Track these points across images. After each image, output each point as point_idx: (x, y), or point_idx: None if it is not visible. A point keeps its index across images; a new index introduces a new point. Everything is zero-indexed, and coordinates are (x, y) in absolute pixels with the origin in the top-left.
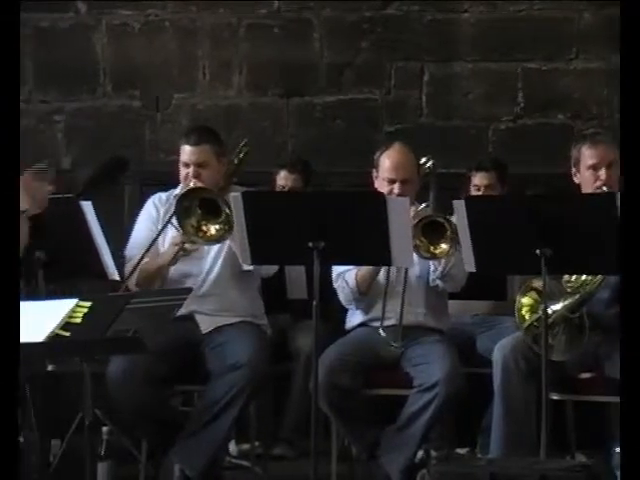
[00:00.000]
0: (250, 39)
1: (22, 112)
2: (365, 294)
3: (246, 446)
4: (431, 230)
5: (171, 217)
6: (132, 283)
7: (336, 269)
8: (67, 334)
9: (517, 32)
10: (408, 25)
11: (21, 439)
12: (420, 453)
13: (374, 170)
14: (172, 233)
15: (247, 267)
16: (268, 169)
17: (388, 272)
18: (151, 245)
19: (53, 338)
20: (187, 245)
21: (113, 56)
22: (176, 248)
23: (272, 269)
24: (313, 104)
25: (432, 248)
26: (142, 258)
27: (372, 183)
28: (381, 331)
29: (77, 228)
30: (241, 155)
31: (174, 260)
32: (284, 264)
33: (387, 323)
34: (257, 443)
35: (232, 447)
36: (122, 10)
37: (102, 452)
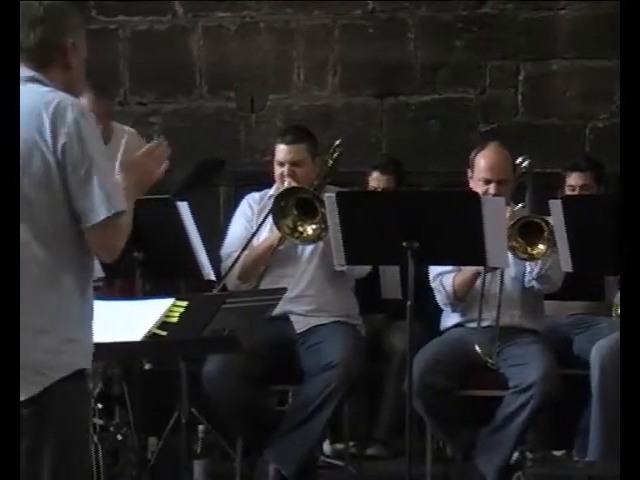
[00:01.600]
0: (344, 40)
1: (119, 114)
2: (462, 300)
3: (340, 446)
4: (528, 231)
5: (266, 216)
6: (232, 281)
7: (434, 269)
8: (164, 333)
9: (614, 29)
10: (503, 23)
11: (119, 437)
12: (516, 455)
13: (469, 170)
14: (266, 233)
15: (341, 267)
16: (361, 169)
17: (484, 274)
18: (248, 243)
19: (150, 337)
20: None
21: (209, 58)
22: (270, 248)
23: (366, 269)
24: (407, 104)
25: (529, 249)
26: (239, 257)
27: (467, 183)
28: (477, 347)
29: (173, 228)
30: (335, 155)
31: (270, 251)
32: (378, 264)
33: (483, 324)
34: (351, 443)
35: (326, 447)
36: (218, 12)
37: (198, 450)
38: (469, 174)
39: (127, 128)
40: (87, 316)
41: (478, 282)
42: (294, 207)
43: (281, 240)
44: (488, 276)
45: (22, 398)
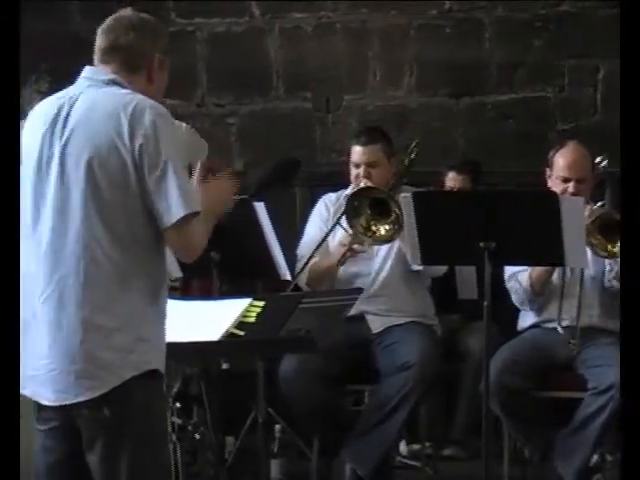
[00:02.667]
0: (420, 39)
1: (196, 115)
2: (539, 294)
3: (416, 446)
4: (607, 229)
5: (341, 216)
6: (302, 282)
7: (508, 270)
8: (241, 333)
9: None
10: (582, 22)
11: (197, 436)
12: (595, 457)
13: (547, 169)
14: (341, 233)
15: (417, 267)
16: (437, 169)
17: (563, 273)
18: (320, 244)
19: (228, 337)
20: (355, 246)
21: (285, 59)
22: (344, 249)
23: (441, 269)
24: (484, 104)
25: (609, 246)
26: (311, 257)
27: (545, 183)
28: (559, 328)
29: (250, 229)
30: (412, 155)
31: (342, 260)
32: (454, 264)
33: (562, 325)
34: (427, 443)
35: (402, 447)
36: (295, 13)
37: (275, 450)
38: (547, 173)
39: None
40: (159, 316)
41: (556, 280)
42: (368, 207)
43: (354, 240)
44: (567, 275)
45: (92, 396)
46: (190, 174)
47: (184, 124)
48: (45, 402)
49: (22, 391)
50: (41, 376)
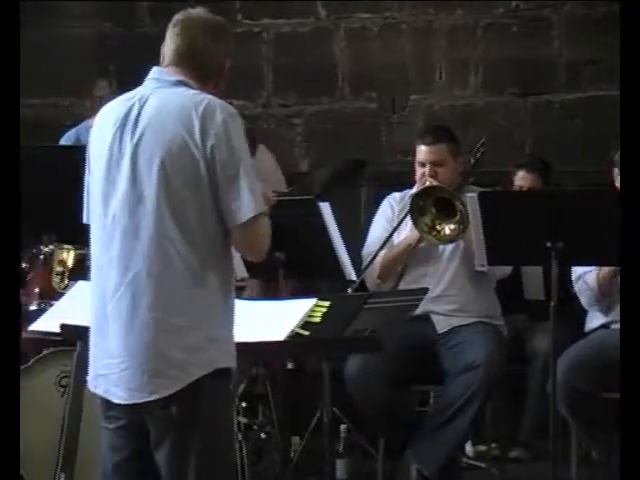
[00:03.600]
0: (487, 38)
1: (262, 116)
2: (607, 295)
3: (483, 447)
4: None
5: (405, 216)
6: (371, 281)
7: (576, 271)
8: (307, 333)
9: None
10: None
11: (263, 435)
12: None
13: (614, 169)
14: (406, 232)
15: (482, 268)
16: (504, 169)
17: None
18: (385, 243)
19: (293, 337)
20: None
21: (351, 59)
22: (409, 248)
23: (507, 269)
24: (551, 103)
25: None
26: (375, 256)
27: (612, 182)
28: None
29: (315, 228)
30: (478, 155)
31: (405, 256)
32: (521, 264)
33: None
34: (494, 445)
35: (468, 448)
36: (360, 13)
37: (340, 449)
38: (614, 172)
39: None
40: (229, 315)
41: None
42: (433, 206)
43: (420, 239)
44: None
45: (164, 394)
46: None
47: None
48: (117, 401)
49: (93, 390)
50: (114, 375)
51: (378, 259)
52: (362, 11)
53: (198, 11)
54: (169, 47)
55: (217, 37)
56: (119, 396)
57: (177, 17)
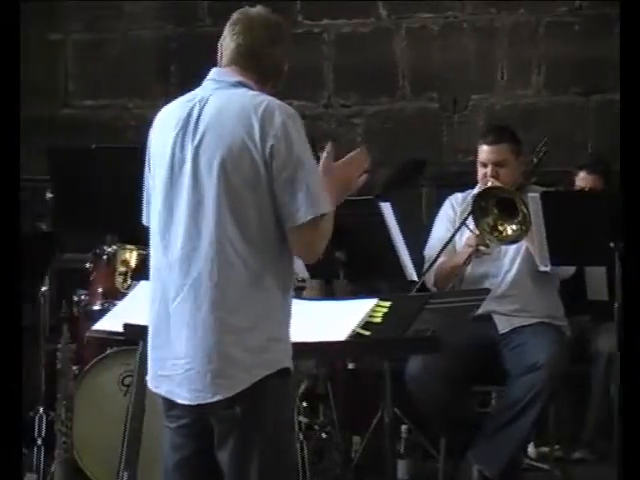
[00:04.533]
0: (549, 37)
1: (322, 116)
2: None
3: (545, 449)
4: None
5: (467, 216)
6: (429, 282)
7: None
8: (367, 333)
9: None
10: None
11: (324, 435)
12: None
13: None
14: (468, 233)
15: (544, 268)
16: (566, 169)
17: None
18: (446, 244)
19: (354, 337)
20: (481, 248)
21: (412, 59)
22: (470, 249)
23: (571, 270)
24: (614, 102)
25: None
26: (437, 257)
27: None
28: None
29: (376, 229)
30: (540, 154)
31: (468, 261)
32: (584, 265)
33: None
34: (557, 446)
35: (531, 449)
36: (421, 13)
37: (401, 450)
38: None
39: None
40: (289, 315)
41: None
42: (495, 207)
43: (480, 242)
44: None
45: (228, 395)
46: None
47: None
48: (182, 401)
49: (154, 390)
50: (177, 376)
51: (437, 263)
52: (423, 11)
53: (257, 10)
54: (228, 47)
55: (276, 37)
56: (183, 397)
57: (236, 16)
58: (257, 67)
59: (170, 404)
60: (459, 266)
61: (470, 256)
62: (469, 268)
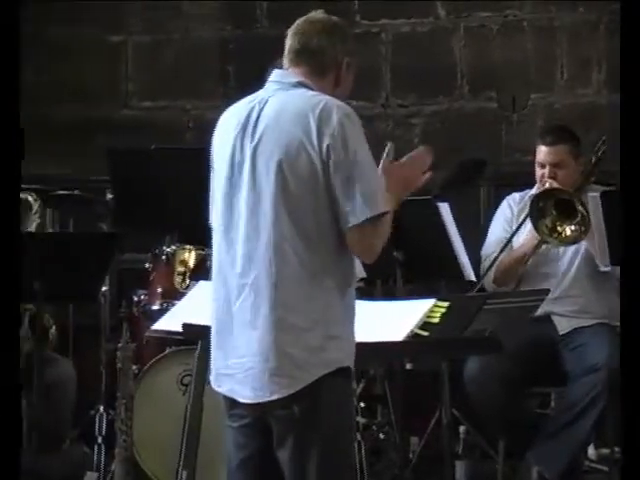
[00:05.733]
0: (610, 35)
1: (380, 116)
2: None
3: (605, 450)
4: None
5: (525, 218)
6: (488, 282)
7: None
8: (425, 333)
9: None
10: None
11: (381, 436)
12: None
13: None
14: (526, 233)
15: (605, 268)
16: None
17: None
18: (505, 245)
19: (412, 337)
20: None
21: (470, 58)
22: (533, 241)
23: None
24: None
25: None
26: (496, 258)
27: None
28: None
29: (434, 229)
30: (599, 154)
31: (528, 256)
32: None
33: None
34: (617, 448)
35: (591, 451)
36: (480, 12)
37: (460, 451)
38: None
39: None
40: (349, 315)
41: None
42: (553, 208)
43: (539, 243)
44: None
45: (286, 394)
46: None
47: None
48: (243, 400)
49: (217, 388)
50: (239, 375)
51: (496, 263)
52: (482, 10)
53: (315, 14)
54: (287, 48)
55: (330, 33)
56: (244, 395)
57: (298, 20)
58: (312, 63)
59: (232, 403)
60: (518, 262)
61: (532, 249)
62: (529, 269)
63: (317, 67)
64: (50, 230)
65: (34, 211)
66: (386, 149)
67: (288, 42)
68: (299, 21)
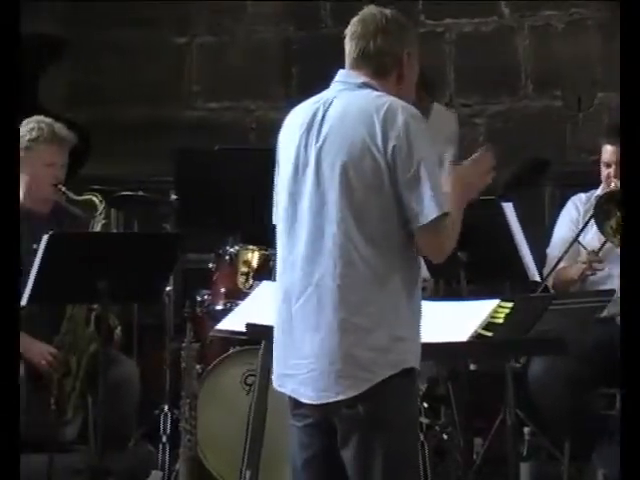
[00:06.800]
0: None
1: None
2: None
3: None
4: None
5: (589, 219)
6: (550, 283)
7: None
8: (489, 334)
9: None
10: None
11: (445, 436)
12: None
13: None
14: (591, 234)
15: None
16: None
17: None
18: (570, 247)
19: (476, 338)
20: (596, 264)
21: (535, 57)
22: (584, 266)
23: None
24: None
25: None
26: (560, 260)
27: None
28: None
29: (498, 229)
30: None
31: (582, 277)
32: None
33: None
34: None
35: None
36: (545, 11)
37: (524, 452)
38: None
39: (445, 110)
40: (415, 315)
41: None
42: (618, 209)
43: (594, 259)
44: None
45: (351, 395)
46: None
47: (444, 108)
48: (306, 400)
49: (279, 388)
50: (302, 375)
51: (559, 267)
52: (547, 8)
53: (370, 9)
54: (347, 53)
55: (386, 32)
56: (307, 396)
57: (357, 17)
58: (374, 65)
59: (296, 403)
60: (574, 281)
61: (584, 273)
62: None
63: (379, 69)
64: (115, 230)
65: (99, 212)
66: (449, 150)
67: (346, 45)
68: (354, 22)
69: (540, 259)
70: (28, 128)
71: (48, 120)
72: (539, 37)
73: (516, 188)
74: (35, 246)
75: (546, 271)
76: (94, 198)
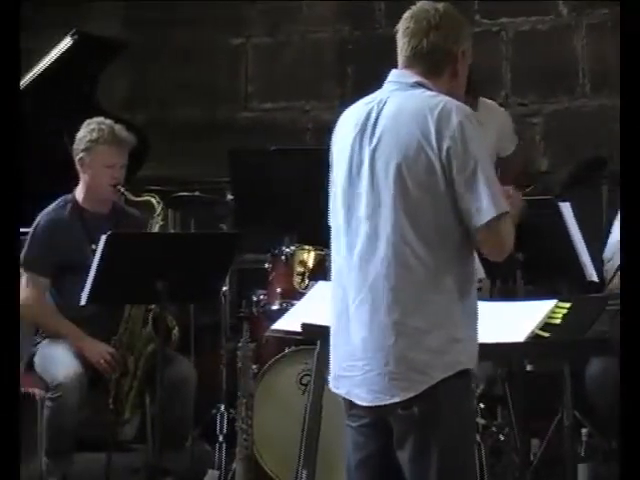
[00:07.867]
0: None
1: None
2: None
3: None
4: None
5: None
6: (614, 286)
7: None
8: (546, 334)
9: None
10: None
11: (501, 437)
12: None
13: None
14: None
15: None
16: None
17: None
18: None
19: (533, 338)
20: None
21: (592, 56)
22: None
23: None
24: None
25: None
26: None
27: None
28: None
29: (555, 229)
30: None
31: None
32: None
33: None
34: None
35: None
36: (602, 9)
37: (582, 453)
38: None
39: (496, 106)
40: (471, 316)
41: None
42: None
43: None
44: None
45: (406, 397)
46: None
47: (502, 109)
48: (360, 402)
49: (334, 390)
50: (356, 377)
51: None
52: (604, 7)
53: (422, 4)
54: (400, 51)
55: (439, 28)
56: (362, 397)
57: (408, 13)
58: (426, 64)
59: (351, 403)
60: None
61: None
62: None
63: (433, 67)
64: (172, 231)
65: (157, 213)
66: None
67: (399, 43)
68: (405, 17)
69: (597, 259)
70: (89, 129)
71: (109, 121)
72: (596, 35)
73: (573, 188)
74: (94, 246)
75: (604, 273)
76: (152, 199)
